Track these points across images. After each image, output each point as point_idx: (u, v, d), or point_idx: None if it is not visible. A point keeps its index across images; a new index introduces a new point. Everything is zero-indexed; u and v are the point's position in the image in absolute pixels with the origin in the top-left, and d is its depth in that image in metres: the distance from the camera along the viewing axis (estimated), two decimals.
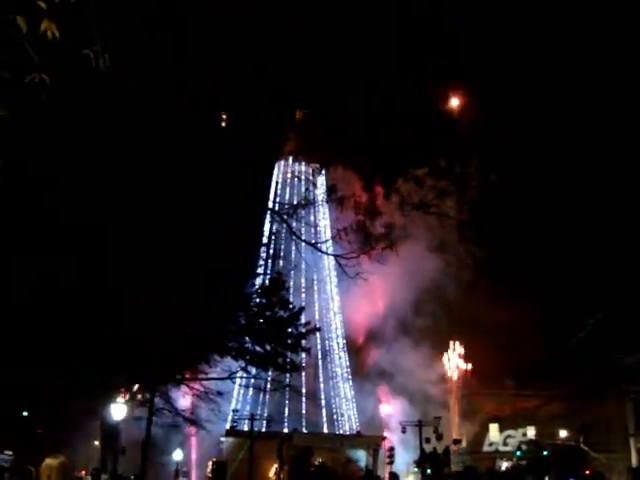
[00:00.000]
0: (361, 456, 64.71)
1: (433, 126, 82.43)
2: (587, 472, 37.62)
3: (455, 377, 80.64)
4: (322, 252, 18.78)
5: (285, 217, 14.15)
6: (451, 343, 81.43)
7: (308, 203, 14.48)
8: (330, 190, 13.41)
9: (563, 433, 64.16)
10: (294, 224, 15.67)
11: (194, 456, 66.31)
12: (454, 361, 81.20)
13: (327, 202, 14.09)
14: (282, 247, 68.66)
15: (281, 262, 67.85)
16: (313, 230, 64.95)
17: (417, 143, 77.19)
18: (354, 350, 79.94)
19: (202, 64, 13.93)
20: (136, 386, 29.08)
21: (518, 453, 59.55)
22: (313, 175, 69.83)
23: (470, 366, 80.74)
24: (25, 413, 37.09)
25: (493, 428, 75.60)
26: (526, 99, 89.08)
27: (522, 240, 75.97)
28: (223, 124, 16.85)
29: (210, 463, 53.50)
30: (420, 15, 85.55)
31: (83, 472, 19.68)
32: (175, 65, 12.52)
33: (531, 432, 68.08)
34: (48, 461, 5.84)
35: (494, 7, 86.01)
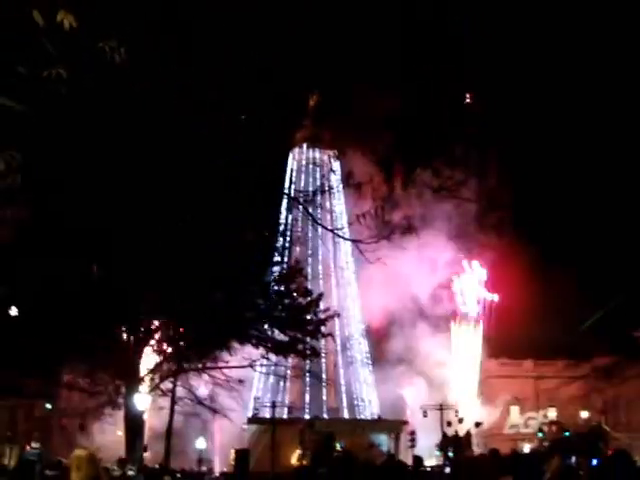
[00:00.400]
0: (383, 441, 64.84)
1: (449, 116, 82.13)
2: (609, 452, 37.54)
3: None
4: (342, 238, 18.91)
5: (303, 204, 14.19)
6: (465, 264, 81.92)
7: (326, 189, 14.51)
8: (347, 176, 13.45)
9: (584, 414, 64.09)
10: (311, 211, 15.72)
11: (217, 444, 66.68)
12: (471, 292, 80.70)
13: (344, 188, 14.13)
14: (299, 234, 68.51)
15: (298, 249, 67.80)
16: (329, 217, 65.13)
17: (435, 132, 77.18)
18: (374, 336, 79.90)
19: (207, 66, 13.91)
20: (158, 376, 29.26)
21: (540, 434, 59.48)
22: (330, 161, 69.88)
23: (496, 297, 79.90)
24: (48, 406, 37.59)
25: (514, 410, 75.65)
26: (530, 99, 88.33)
27: (541, 227, 75.58)
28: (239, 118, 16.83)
29: (233, 451, 53.79)
30: (424, 20, 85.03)
31: (109, 463, 19.82)
32: (180, 70, 12.51)
33: (552, 414, 68.02)
34: (77, 452, 5.93)
35: (497, 10, 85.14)
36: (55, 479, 6.40)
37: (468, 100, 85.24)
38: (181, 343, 28.03)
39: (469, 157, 78.08)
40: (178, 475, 22.97)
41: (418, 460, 16.24)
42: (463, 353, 79.42)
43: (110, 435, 44.80)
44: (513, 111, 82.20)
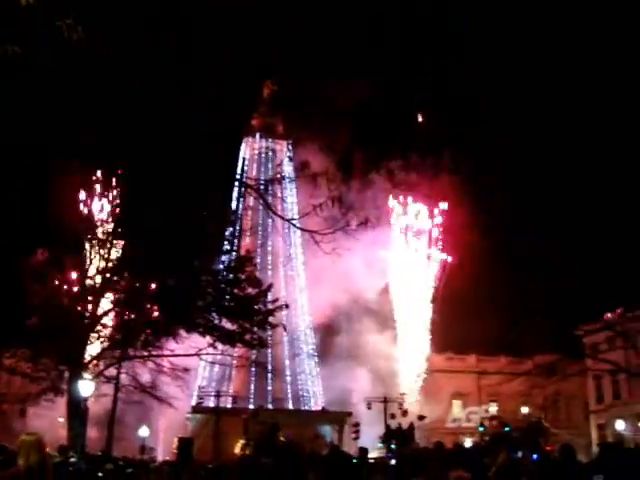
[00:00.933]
0: (327, 432, 65.19)
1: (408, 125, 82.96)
2: (548, 448, 38.28)
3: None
4: (299, 228, 18.81)
5: (258, 192, 14.15)
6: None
7: (281, 178, 14.50)
8: (303, 166, 13.42)
9: (525, 409, 65.27)
10: (261, 200, 15.66)
11: (160, 432, 66.21)
12: None
13: (299, 178, 14.10)
14: (250, 224, 68.25)
15: (248, 239, 67.61)
16: (280, 207, 64.94)
17: (393, 139, 77.84)
18: (320, 328, 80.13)
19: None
20: (102, 363, 28.92)
21: (481, 429, 60.40)
22: (284, 151, 69.68)
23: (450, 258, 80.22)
24: None
25: (456, 404, 76.63)
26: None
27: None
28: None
29: (176, 439, 53.44)
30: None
31: (49, 449, 19.55)
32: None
33: (493, 408, 69.17)
34: (24, 437, 5.81)
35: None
36: (1, 464, 6.26)
37: (420, 119, 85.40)
38: (127, 329, 27.71)
39: (424, 163, 78.63)
40: (120, 462, 22.74)
41: (363, 451, 16.37)
42: (409, 347, 79.99)
43: (48, 421, 44.16)
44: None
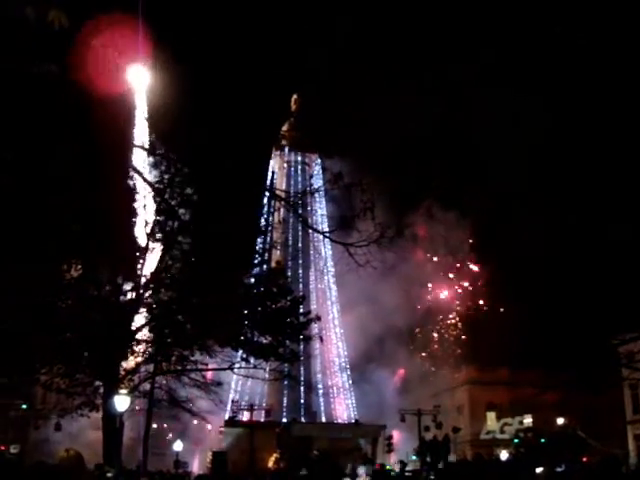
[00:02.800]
0: (360, 445, 64.85)
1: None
2: (584, 459, 37.74)
3: None
4: (333, 240, 18.73)
5: (291, 205, 14.14)
6: None
7: (313, 191, 14.49)
8: (336, 178, 13.35)
9: (560, 421, 64.39)
10: (291, 213, 15.67)
11: (194, 447, 66.43)
12: None
13: (332, 190, 14.03)
14: (281, 236, 68.54)
15: (279, 252, 67.73)
16: (311, 220, 65.06)
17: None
18: (353, 341, 79.93)
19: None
20: (136, 377, 29.06)
21: (516, 441, 59.69)
22: (322, 162, 69.77)
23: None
24: (24, 406, 37.21)
25: (490, 417, 75.87)
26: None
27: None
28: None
29: (210, 453, 53.62)
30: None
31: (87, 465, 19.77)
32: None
33: (528, 420, 68.28)
34: (63, 454, 5.83)
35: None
36: None
37: None
38: (161, 344, 27.84)
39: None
40: (156, 477, 22.80)
41: (403, 464, 16.29)
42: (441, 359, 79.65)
43: (85, 436, 44.48)
44: None
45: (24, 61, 7.72)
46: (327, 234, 16.33)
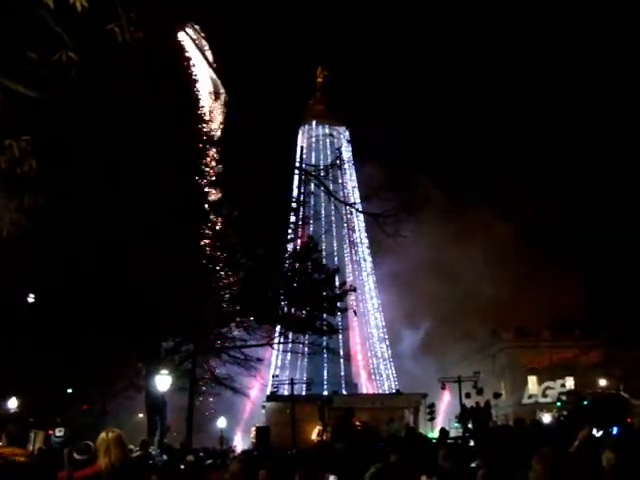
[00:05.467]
0: (403, 414, 65.01)
1: None
2: (629, 420, 37.36)
3: None
4: (360, 212, 18.77)
5: (318, 177, 14.11)
6: None
7: (341, 163, 14.44)
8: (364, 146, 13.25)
9: (602, 382, 63.96)
10: (321, 188, 15.61)
11: (239, 423, 67.21)
12: None
13: (358, 161, 13.96)
14: (312, 210, 68.54)
15: (312, 226, 67.75)
16: (342, 192, 64.88)
17: None
18: (389, 312, 79.95)
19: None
20: (177, 357, 29.38)
21: (558, 404, 59.35)
22: (346, 135, 69.51)
23: None
24: (70, 390, 37.73)
25: (531, 380, 75.62)
26: None
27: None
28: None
29: (253, 428, 54.22)
30: None
31: (132, 445, 19.99)
32: None
33: (570, 382, 67.95)
34: (103, 435, 5.92)
35: None
36: (84, 463, 6.36)
37: None
38: (199, 323, 28.08)
39: None
40: (201, 454, 23.05)
41: (444, 432, 16.28)
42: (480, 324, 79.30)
43: (132, 417, 45.24)
44: None
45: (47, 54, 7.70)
46: (354, 205, 16.26)
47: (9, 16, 7.67)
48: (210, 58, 35.52)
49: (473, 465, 7.48)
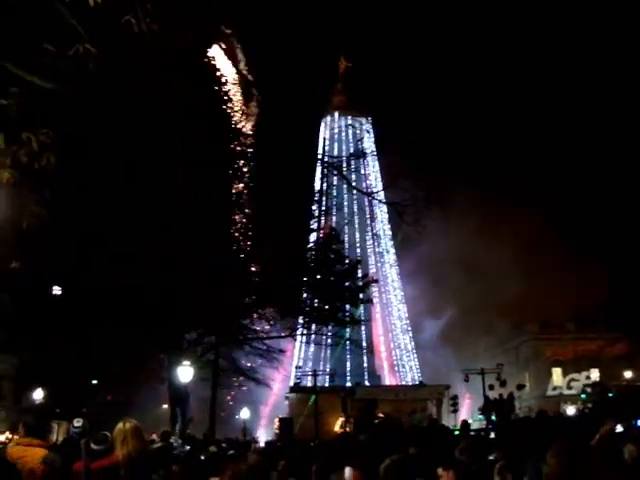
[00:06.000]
0: (426, 406, 64.87)
1: None
2: None
3: None
4: (379, 201, 18.75)
5: (339, 169, 14.10)
6: None
7: (362, 153, 14.41)
8: (384, 137, 13.21)
9: (628, 374, 63.42)
10: (346, 176, 15.59)
11: (261, 414, 67.42)
12: None
13: (380, 152, 13.96)
14: (334, 201, 68.54)
15: (334, 217, 67.72)
16: (364, 183, 64.67)
17: None
18: (412, 304, 79.67)
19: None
20: (199, 348, 29.48)
21: (583, 396, 58.98)
22: (368, 125, 69.32)
23: None
24: (95, 381, 38.09)
25: (556, 372, 75.18)
26: None
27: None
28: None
29: (277, 420, 54.36)
30: None
31: (154, 435, 20.09)
32: None
33: (595, 374, 67.48)
34: (120, 426, 5.96)
35: None
36: (102, 453, 6.38)
37: None
38: (222, 315, 28.15)
39: None
40: (224, 445, 23.13)
41: (466, 425, 16.20)
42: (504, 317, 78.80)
43: (156, 408, 45.50)
44: None
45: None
46: (374, 195, 16.25)
47: (27, 9, 7.70)
48: (239, 56, 35.48)
49: (491, 457, 7.43)
